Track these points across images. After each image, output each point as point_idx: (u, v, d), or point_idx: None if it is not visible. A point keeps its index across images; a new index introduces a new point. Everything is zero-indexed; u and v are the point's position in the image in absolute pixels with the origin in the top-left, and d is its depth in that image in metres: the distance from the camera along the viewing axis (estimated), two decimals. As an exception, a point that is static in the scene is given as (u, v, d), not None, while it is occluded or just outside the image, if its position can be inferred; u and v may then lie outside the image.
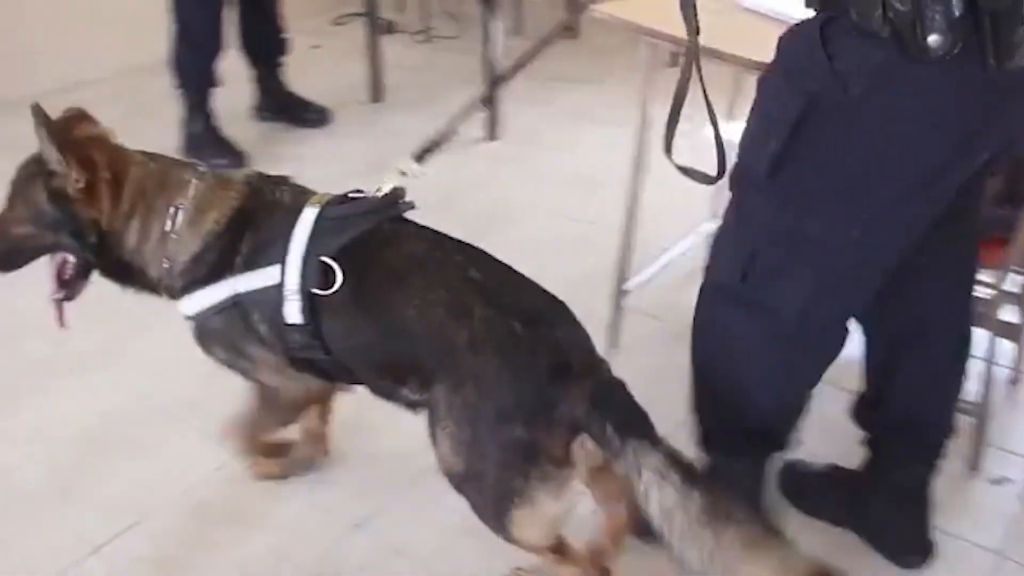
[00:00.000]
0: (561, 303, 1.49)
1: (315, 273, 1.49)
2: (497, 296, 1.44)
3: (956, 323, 1.71)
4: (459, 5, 4.39)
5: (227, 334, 1.60)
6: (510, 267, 1.52)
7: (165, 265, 1.57)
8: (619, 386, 1.43)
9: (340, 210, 1.55)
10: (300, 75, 3.54)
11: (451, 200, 2.63)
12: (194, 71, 3.10)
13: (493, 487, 1.43)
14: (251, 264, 1.53)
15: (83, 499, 1.83)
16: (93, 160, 1.52)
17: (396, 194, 1.59)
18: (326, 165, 2.92)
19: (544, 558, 1.56)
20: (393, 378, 1.54)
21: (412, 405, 1.54)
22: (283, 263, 1.50)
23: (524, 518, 1.42)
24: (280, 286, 1.51)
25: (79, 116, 1.61)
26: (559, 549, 1.54)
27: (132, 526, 1.78)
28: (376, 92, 3.66)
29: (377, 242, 1.53)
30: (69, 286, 1.62)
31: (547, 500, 1.39)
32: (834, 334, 1.62)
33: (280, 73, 3.47)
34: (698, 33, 1.53)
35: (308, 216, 1.52)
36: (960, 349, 1.72)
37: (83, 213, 1.52)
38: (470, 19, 3.86)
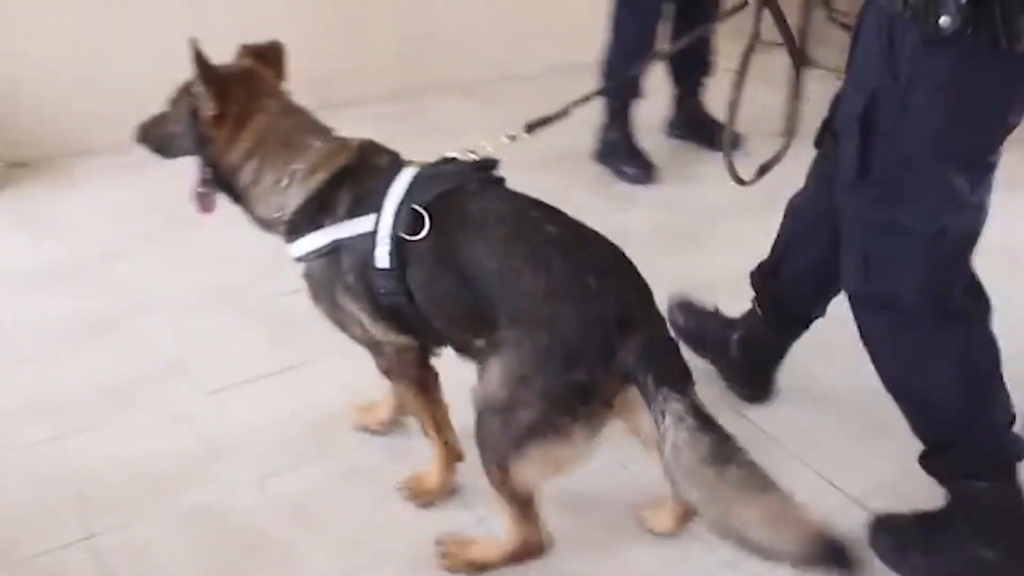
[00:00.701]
0: (627, 258, 1.65)
1: (405, 220, 1.65)
2: (573, 251, 1.59)
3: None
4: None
5: (326, 280, 1.75)
6: (581, 223, 1.67)
7: (276, 213, 1.77)
8: (667, 342, 1.60)
9: (433, 170, 1.73)
10: (715, 96, 3.45)
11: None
12: (622, 80, 3.35)
13: (530, 420, 1.54)
14: (351, 213, 1.70)
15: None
16: (229, 96, 1.73)
17: (487, 160, 1.78)
18: (731, 192, 3.15)
19: (513, 509, 1.68)
20: (471, 330, 1.68)
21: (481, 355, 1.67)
22: (379, 212, 1.67)
23: (542, 455, 1.55)
24: (374, 233, 1.67)
25: (256, 52, 1.83)
26: (529, 504, 1.68)
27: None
28: (791, 124, 3.08)
29: (463, 198, 1.68)
30: (207, 188, 1.81)
31: (578, 439, 1.53)
32: (958, 313, 1.71)
33: (700, 93, 3.48)
34: None
35: (406, 175, 1.71)
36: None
37: (206, 134, 1.75)
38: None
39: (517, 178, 1.82)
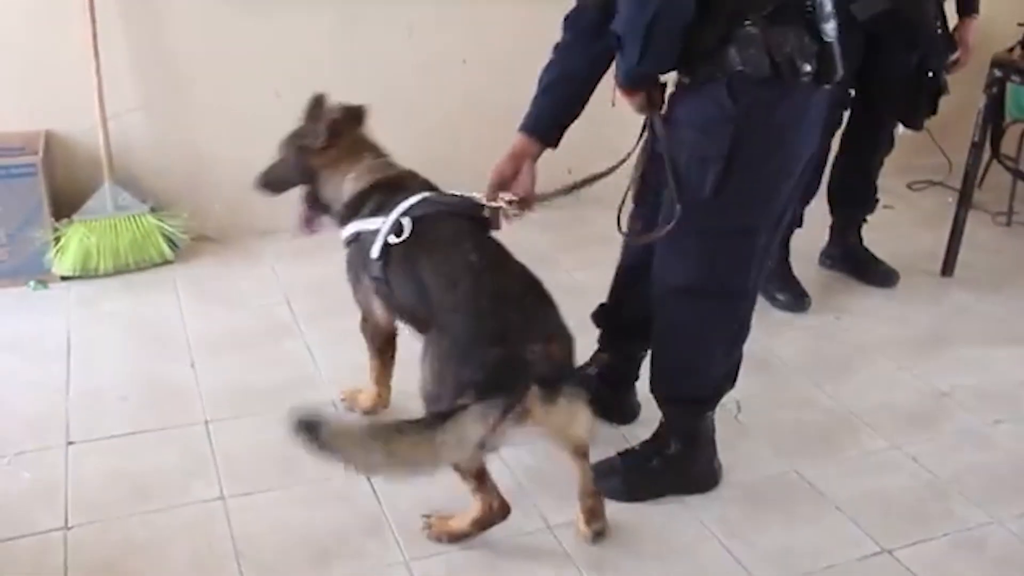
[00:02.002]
0: (537, 286, 2.03)
1: (395, 227, 2.14)
2: (479, 277, 1.99)
3: None
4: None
5: (352, 259, 2.32)
6: (507, 260, 2.09)
7: (336, 207, 2.34)
8: (560, 352, 1.94)
9: (438, 197, 2.21)
10: (870, 231, 3.53)
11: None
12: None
13: (444, 410, 1.86)
14: (372, 214, 2.22)
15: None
16: (338, 131, 2.32)
17: (478, 202, 2.17)
18: (885, 326, 3.26)
19: (468, 483, 2.02)
20: (419, 325, 2.14)
21: None
22: (387, 217, 2.17)
23: (454, 438, 1.80)
24: (377, 231, 2.17)
25: (349, 111, 2.37)
26: (480, 476, 2.02)
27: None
28: (947, 265, 3.26)
29: (439, 221, 2.14)
30: (312, 211, 2.42)
31: (473, 428, 1.79)
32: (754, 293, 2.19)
33: (859, 228, 3.48)
34: None
35: (416, 197, 2.18)
36: None
37: (310, 163, 2.35)
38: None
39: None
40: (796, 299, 3.29)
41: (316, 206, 2.40)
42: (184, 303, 3.10)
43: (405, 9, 3.50)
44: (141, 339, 2.87)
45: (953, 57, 3.24)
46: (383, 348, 2.45)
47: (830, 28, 1.87)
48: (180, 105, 3.45)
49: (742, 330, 2.21)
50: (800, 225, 3.31)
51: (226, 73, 3.43)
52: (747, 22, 1.81)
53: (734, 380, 2.28)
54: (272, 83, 3.45)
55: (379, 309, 2.32)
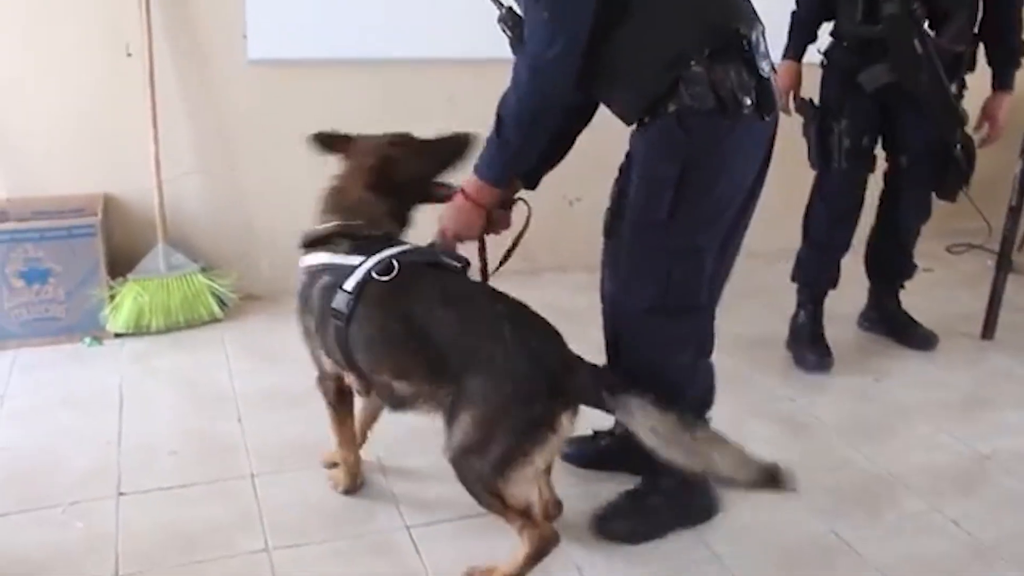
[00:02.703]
0: (555, 329, 2.07)
1: (383, 266, 2.08)
2: (517, 322, 2.01)
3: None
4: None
5: (303, 292, 2.22)
6: (521, 303, 2.09)
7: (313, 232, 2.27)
8: (602, 369, 2.11)
9: (421, 248, 2.19)
10: (909, 294, 3.55)
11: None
12: (814, 272, 3.43)
13: (503, 452, 1.94)
14: (351, 252, 2.14)
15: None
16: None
17: (461, 257, 2.20)
18: (925, 389, 3.26)
19: (518, 520, 2.05)
20: (396, 372, 2.11)
21: (399, 402, 2.14)
22: (367, 256, 2.10)
23: (520, 475, 1.96)
24: (355, 267, 2.09)
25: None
26: (528, 513, 2.06)
27: None
28: (988, 329, 3.26)
29: (429, 271, 2.12)
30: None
31: (540, 458, 1.98)
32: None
33: (897, 292, 3.49)
34: None
35: (402, 247, 2.15)
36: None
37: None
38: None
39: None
40: (821, 358, 3.30)
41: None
42: (232, 360, 3.19)
43: (446, 80, 3.69)
44: (190, 394, 2.94)
45: (982, 133, 3.25)
46: (339, 403, 2.38)
47: (766, 65, 2.06)
48: (231, 170, 3.60)
49: (705, 342, 2.32)
50: (835, 286, 3.37)
51: (275, 140, 3.56)
52: (692, 63, 1.98)
53: (710, 399, 2.35)
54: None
55: (323, 352, 2.25)
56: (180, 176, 3.50)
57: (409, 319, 2.05)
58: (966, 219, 4.25)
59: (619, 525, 2.32)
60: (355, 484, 2.45)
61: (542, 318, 2.09)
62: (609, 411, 2.01)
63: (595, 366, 2.06)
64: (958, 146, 3.13)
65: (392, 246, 2.15)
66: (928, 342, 3.47)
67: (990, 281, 3.58)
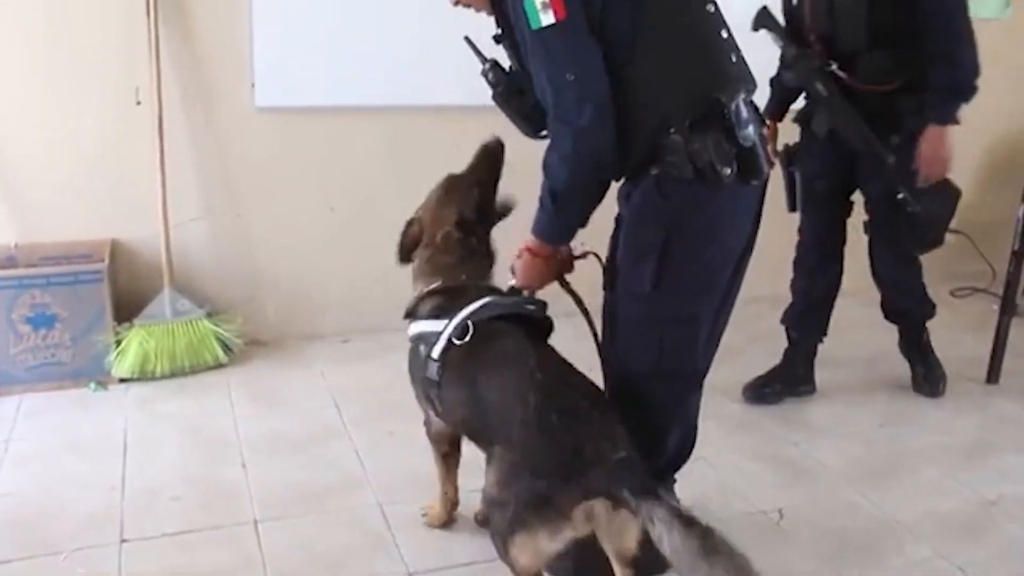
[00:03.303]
0: (605, 402, 2.08)
1: (459, 329, 2.16)
2: (548, 392, 1.99)
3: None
4: None
5: (412, 359, 2.32)
6: (570, 372, 2.11)
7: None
8: (635, 463, 1.92)
9: (500, 299, 2.24)
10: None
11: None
12: (797, 318, 3.41)
13: (512, 516, 1.95)
14: (432, 316, 2.26)
15: None
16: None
17: (539, 301, 2.27)
18: (930, 433, 3.24)
19: None
20: (468, 431, 2.24)
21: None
22: (451, 319, 2.20)
23: (524, 544, 1.95)
24: (440, 333, 2.19)
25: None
26: None
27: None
28: (992, 373, 3.25)
29: (493, 331, 2.16)
30: None
31: (543, 537, 1.92)
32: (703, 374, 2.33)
33: (919, 335, 3.46)
34: None
35: (481, 301, 2.20)
36: None
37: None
38: None
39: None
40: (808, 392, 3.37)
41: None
42: (236, 405, 3.19)
43: (452, 127, 3.64)
44: (194, 440, 2.95)
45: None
46: (446, 452, 2.45)
47: (748, 133, 2.01)
48: (238, 216, 3.63)
49: (694, 405, 2.33)
50: (824, 334, 3.37)
51: (282, 186, 3.61)
52: (672, 130, 1.97)
53: (689, 451, 2.36)
54: (326, 196, 3.65)
55: (434, 412, 2.33)
56: (187, 222, 3.53)
57: (475, 384, 2.12)
58: (970, 263, 4.28)
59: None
60: (450, 518, 2.53)
61: (586, 391, 2.06)
62: (631, 513, 1.86)
63: (627, 459, 1.92)
64: (899, 195, 3.04)
65: (471, 298, 2.21)
66: (936, 388, 3.42)
67: (994, 325, 3.57)
